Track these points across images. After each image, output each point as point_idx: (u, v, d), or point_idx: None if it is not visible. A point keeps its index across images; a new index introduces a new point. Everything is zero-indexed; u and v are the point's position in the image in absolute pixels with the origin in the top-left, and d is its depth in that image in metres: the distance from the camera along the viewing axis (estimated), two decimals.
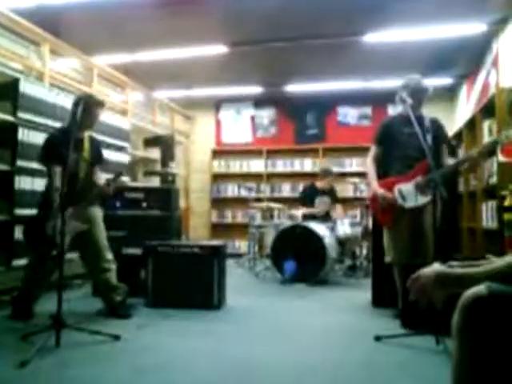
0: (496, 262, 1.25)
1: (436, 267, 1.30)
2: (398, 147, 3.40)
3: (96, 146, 3.54)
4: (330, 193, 5.98)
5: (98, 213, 3.46)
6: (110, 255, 3.44)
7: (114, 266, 3.46)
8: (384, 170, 3.49)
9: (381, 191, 3.37)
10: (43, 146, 3.35)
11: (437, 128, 3.39)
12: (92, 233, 3.34)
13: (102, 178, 3.52)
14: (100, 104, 3.43)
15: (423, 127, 3.17)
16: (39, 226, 3.12)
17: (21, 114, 3.94)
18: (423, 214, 3.25)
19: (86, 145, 3.39)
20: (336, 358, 2.62)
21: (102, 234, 3.42)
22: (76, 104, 3.24)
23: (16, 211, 3.84)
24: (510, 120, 3.87)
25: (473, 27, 5.20)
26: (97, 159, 3.52)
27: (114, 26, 5.37)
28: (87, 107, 3.22)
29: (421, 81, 3.39)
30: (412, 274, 1.36)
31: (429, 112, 3.52)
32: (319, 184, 5.96)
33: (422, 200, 3.23)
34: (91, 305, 3.69)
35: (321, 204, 5.83)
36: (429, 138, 3.21)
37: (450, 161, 3.36)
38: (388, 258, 3.41)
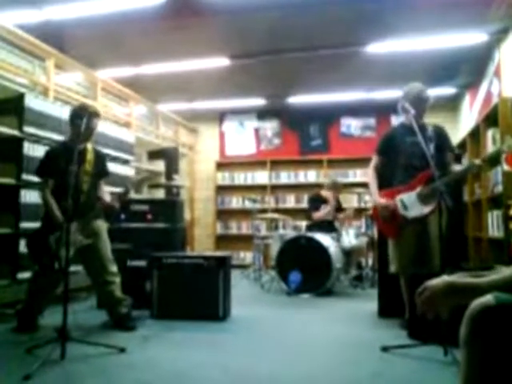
0: (504, 272, 1.24)
1: (444, 278, 1.29)
2: (401, 157, 3.40)
3: (100, 159, 3.54)
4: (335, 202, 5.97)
5: (102, 226, 3.47)
6: (114, 268, 3.43)
7: (118, 279, 3.45)
8: (388, 180, 3.49)
9: (381, 201, 3.37)
10: (41, 160, 3.38)
11: (440, 136, 3.38)
12: (96, 246, 3.34)
13: (106, 191, 3.53)
14: (97, 114, 3.44)
15: (425, 136, 3.16)
16: (42, 239, 3.13)
17: (26, 129, 3.97)
18: (427, 224, 3.24)
19: (89, 157, 3.39)
20: (342, 369, 2.60)
21: (106, 246, 3.42)
22: (77, 116, 3.27)
23: (21, 225, 3.85)
24: None
25: (474, 37, 5.23)
26: (101, 173, 3.53)
27: (118, 40, 5.44)
28: (88, 118, 3.23)
29: (422, 89, 3.38)
30: (419, 283, 1.36)
31: (431, 122, 3.52)
32: (324, 193, 5.96)
33: (425, 210, 3.22)
34: (96, 317, 3.68)
35: (325, 210, 5.82)
36: (431, 146, 3.20)
37: (456, 167, 3.34)
38: (392, 268, 3.39)
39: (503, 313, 1.11)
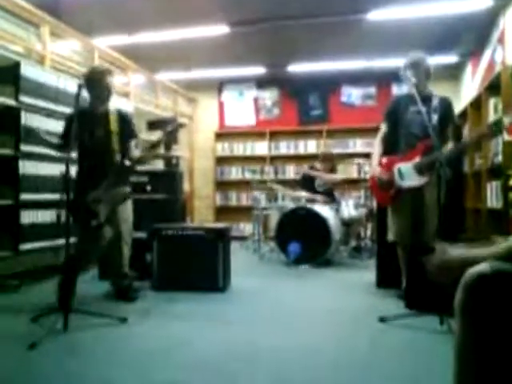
0: (502, 244, 1.24)
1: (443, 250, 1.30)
2: (403, 125, 3.40)
3: (126, 121, 3.44)
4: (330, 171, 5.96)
5: (127, 192, 3.44)
6: (129, 239, 3.44)
7: (128, 252, 3.46)
8: (391, 148, 3.48)
9: (377, 171, 3.38)
10: (64, 126, 3.36)
11: (445, 107, 3.35)
12: (119, 211, 3.32)
13: (137, 152, 3.37)
14: (108, 72, 3.40)
15: (430, 106, 3.14)
16: (80, 199, 3.09)
17: (23, 98, 3.91)
18: (424, 194, 3.23)
19: (112, 119, 3.33)
20: (341, 339, 2.64)
21: (128, 214, 3.42)
22: (91, 80, 3.25)
23: (21, 196, 3.85)
24: None
25: (478, 3, 5.09)
26: (128, 134, 3.40)
27: (115, 7, 5.30)
28: (99, 80, 3.22)
29: (423, 58, 3.34)
30: (415, 253, 1.37)
31: (433, 90, 3.48)
32: (319, 166, 5.92)
33: (420, 180, 3.21)
34: (98, 288, 3.73)
35: (321, 186, 5.83)
36: (435, 117, 3.18)
37: (448, 146, 3.23)
38: (390, 237, 3.42)
39: (499, 281, 1.12)
